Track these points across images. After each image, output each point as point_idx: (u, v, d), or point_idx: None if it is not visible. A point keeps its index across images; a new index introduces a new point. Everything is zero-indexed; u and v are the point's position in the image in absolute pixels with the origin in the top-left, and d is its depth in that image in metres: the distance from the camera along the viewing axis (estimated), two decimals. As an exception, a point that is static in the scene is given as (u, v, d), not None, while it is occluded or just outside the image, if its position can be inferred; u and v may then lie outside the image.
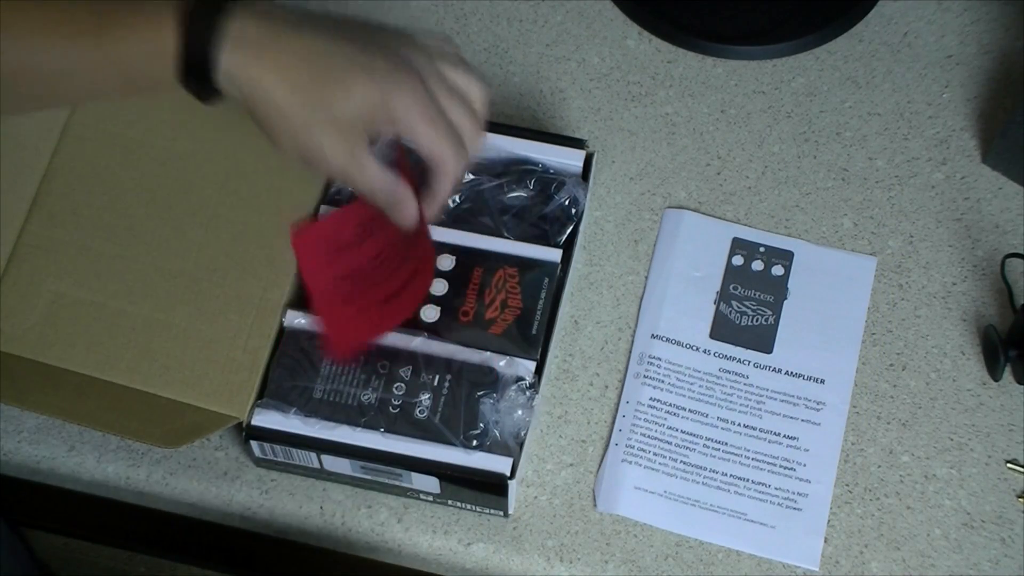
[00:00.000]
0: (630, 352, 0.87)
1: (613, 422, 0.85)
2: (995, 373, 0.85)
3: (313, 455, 0.79)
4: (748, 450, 0.84)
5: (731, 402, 0.85)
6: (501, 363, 0.81)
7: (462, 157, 0.68)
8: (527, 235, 0.86)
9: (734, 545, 0.81)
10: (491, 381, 0.80)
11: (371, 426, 0.79)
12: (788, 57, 0.98)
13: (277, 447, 0.79)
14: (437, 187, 0.70)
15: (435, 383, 0.80)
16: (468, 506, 0.81)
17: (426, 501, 0.82)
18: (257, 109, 0.64)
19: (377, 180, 0.68)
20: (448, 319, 0.83)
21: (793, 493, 0.83)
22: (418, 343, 0.81)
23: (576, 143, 0.89)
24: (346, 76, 0.64)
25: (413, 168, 0.71)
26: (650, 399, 0.85)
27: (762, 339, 0.87)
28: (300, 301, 0.85)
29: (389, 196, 0.69)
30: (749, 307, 0.89)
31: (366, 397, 0.80)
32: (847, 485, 0.83)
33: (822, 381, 0.86)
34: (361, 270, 0.75)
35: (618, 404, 0.86)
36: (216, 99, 0.65)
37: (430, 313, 0.83)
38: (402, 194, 0.70)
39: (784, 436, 0.84)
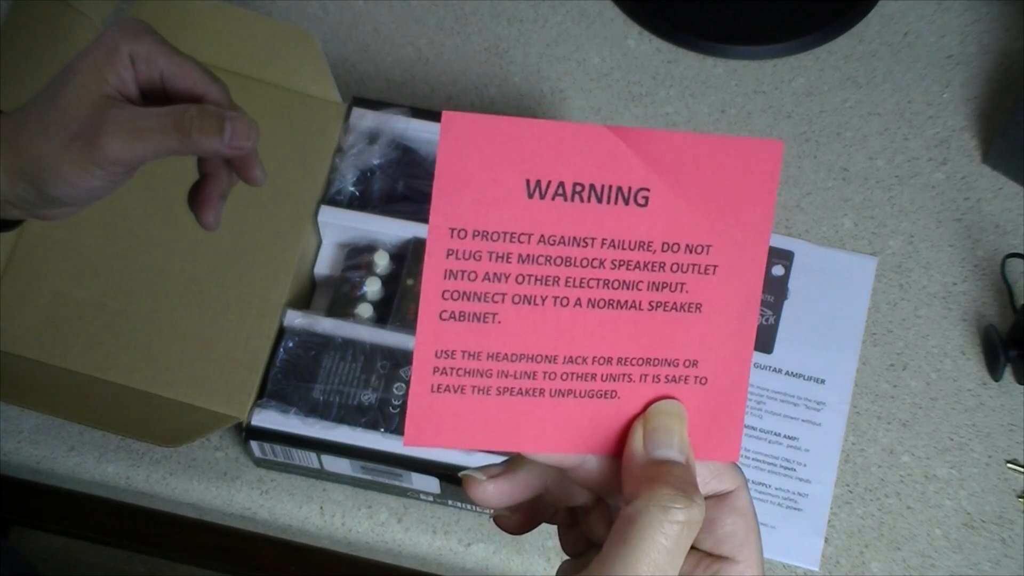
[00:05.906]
0: (630, 352, 0.87)
1: (613, 422, 0.85)
2: (995, 373, 0.85)
3: (313, 455, 0.79)
4: (748, 450, 0.84)
5: (731, 402, 0.85)
6: (501, 363, 0.81)
7: None
8: (527, 235, 0.86)
9: (734, 545, 0.81)
10: (491, 381, 0.80)
11: (371, 426, 0.79)
12: (788, 57, 0.98)
13: (277, 447, 0.79)
14: None
15: (435, 383, 0.80)
16: (468, 506, 0.81)
17: (426, 501, 0.82)
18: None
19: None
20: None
21: (793, 493, 0.83)
22: (418, 343, 0.81)
23: (576, 143, 0.89)
24: None
25: None
26: (650, 399, 0.85)
27: (762, 339, 0.87)
28: (300, 301, 0.85)
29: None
30: (749, 307, 0.88)
31: (366, 397, 0.80)
32: (847, 485, 0.83)
33: (822, 381, 0.86)
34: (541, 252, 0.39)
35: (618, 404, 0.85)
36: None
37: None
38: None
39: (784, 436, 0.84)
